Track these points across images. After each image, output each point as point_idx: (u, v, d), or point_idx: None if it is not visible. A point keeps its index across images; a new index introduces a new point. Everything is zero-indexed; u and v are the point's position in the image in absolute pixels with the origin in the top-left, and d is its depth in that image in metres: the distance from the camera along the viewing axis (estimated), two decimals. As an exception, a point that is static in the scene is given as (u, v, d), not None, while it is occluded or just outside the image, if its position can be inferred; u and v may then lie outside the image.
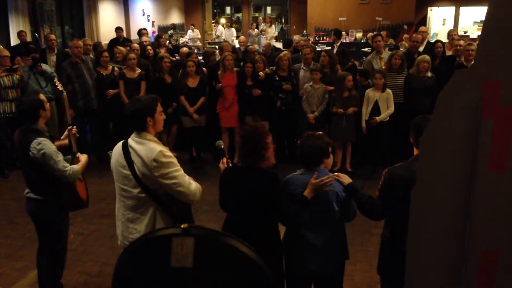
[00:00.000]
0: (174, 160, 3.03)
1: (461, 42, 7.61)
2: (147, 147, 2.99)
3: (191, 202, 3.14)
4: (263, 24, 16.09)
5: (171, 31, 15.87)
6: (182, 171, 3.04)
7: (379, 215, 3.07)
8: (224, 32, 16.34)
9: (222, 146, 3.71)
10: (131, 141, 3.06)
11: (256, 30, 15.31)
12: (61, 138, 4.04)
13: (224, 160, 3.38)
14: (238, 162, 3.23)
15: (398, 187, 2.85)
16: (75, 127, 4.01)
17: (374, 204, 2.99)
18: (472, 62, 6.73)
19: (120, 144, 3.13)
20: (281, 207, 3.10)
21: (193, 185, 3.09)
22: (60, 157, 3.58)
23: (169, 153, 3.03)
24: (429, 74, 6.83)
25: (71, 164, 3.75)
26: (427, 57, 6.92)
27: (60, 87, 4.66)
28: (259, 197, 3.06)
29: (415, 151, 3.01)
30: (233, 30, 16.43)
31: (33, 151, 3.51)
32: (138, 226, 3.09)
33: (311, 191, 3.05)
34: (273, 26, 15.94)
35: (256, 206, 3.08)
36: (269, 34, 15.16)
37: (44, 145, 3.53)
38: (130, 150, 3.02)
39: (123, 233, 3.17)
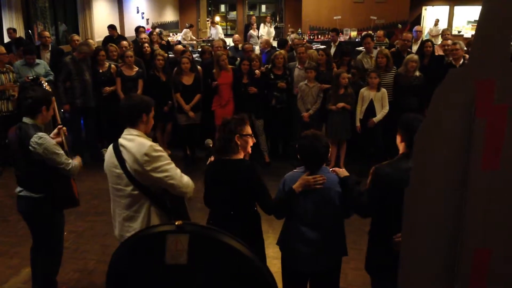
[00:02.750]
0: (165, 154, 3.07)
1: (449, 42, 7.66)
2: (137, 143, 3.02)
3: (184, 194, 3.15)
4: (264, 25, 15.51)
5: (158, 29, 15.79)
6: (173, 164, 3.08)
7: (365, 212, 3.09)
8: (211, 30, 16.12)
9: (211, 145, 3.75)
10: (121, 140, 3.09)
11: (256, 30, 15.03)
12: (51, 136, 4.02)
13: (212, 158, 3.44)
14: (214, 155, 3.34)
15: (384, 184, 2.87)
16: (64, 127, 4.03)
17: (361, 201, 3.01)
18: (461, 61, 6.83)
19: (111, 145, 3.16)
20: (263, 196, 3.19)
21: (185, 178, 3.11)
22: (61, 150, 3.61)
23: (159, 148, 3.06)
24: (417, 73, 6.86)
25: None
26: (415, 56, 6.97)
27: (48, 88, 4.60)
28: (236, 188, 3.16)
29: (401, 149, 3.02)
30: (219, 27, 16.20)
31: (34, 146, 3.50)
32: (134, 224, 3.11)
33: (300, 185, 3.09)
34: (273, 26, 15.59)
35: (234, 197, 3.18)
36: (271, 35, 14.85)
37: (45, 139, 3.53)
38: (121, 148, 3.05)
39: (121, 232, 3.19)
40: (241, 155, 3.24)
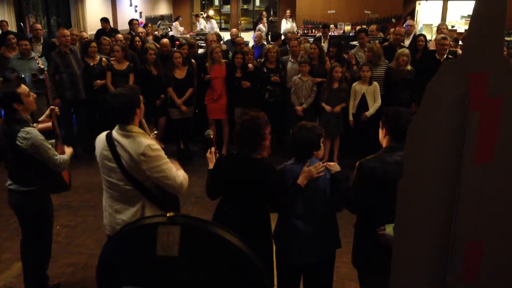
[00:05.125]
0: (162, 153, 3.03)
1: (438, 36, 7.67)
2: (135, 141, 2.97)
3: (178, 193, 3.16)
4: (286, 20, 14.56)
5: (160, 22, 15.68)
6: (170, 164, 3.05)
7: (353, 207, 3.10)
8: (204, 24, 15.61)
9: (211, 136, 3.72)
10: (115, 134, 3.04)
11: (266, 25, 14.30)
12: (41, 119, 3.96)
13: (212, 149, 3.41)
14: (233, 151, 3.27)
15: (370, 179, 2.88)
16: (57, 108, 3.98)
17: (350, 197, 3.02)
18: (445, 56, 6.85)
19: (103, 136, 3.10)
20: (277, 196, 3.14)
21: (180, 177, 3.10)
22: (49, 145, 3.56)
23: (156, 146, 3.02)
24: (408, 67, 6.88)
25: (55, 147, 3.73)
26: (406, 50, 6.99)
27: (41, 65, 4.61)
28: (255, 187, 3.10)
29: (385, 143, 3.03)
30: (213, 22, 15.86)
31: (22, 141, 3.46)
32: (125, 216, 3.10)
33: (304, 178, 3.09)
34: (295, 21, 14.46)
35: (251, 196, 3.13)
36: (294, 30, 13.61)
37: (32, 134, 3.48)
38: (116, 143, 3.01)
39: (111, 223, 3.18)
40: (262, 155, 3.19)
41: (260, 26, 14.02)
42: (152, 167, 2.96)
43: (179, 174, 3.10)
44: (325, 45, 9.20)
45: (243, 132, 3.13)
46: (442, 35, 7.44)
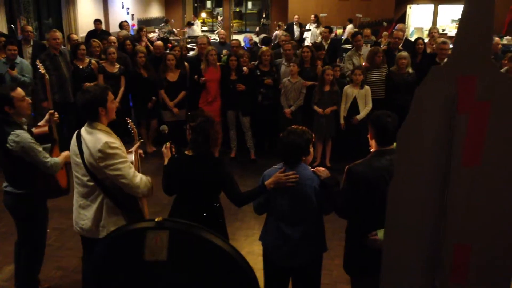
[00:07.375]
0: (120, 152, 3.09)
1: (445, 42, 7.73)
2: (94, 138, 3.06)
3: (137, 194, 3.19)
4: (309, 24, 13.94)
5: (162, 24, 15.63)
6: (127, 163, 3.11)
7: (343, 212, 3.10)
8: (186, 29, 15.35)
9: (167, 131, 3.77)
10: (83, 130, 3.16)
11: (282, 30, 13.86)
12: (40, 123, 3.97)
13: (168, 144, 3.51)
14: (189, 151, 3.30)
15: (359, 183, 2.88)
16: (56, 113, 3.99)
17: (338, 201, 3.02)
18: (445, 60, 6.89)
19: (76, 132, 3.22)
20: (232, 189, 3.23)
21: (138, 178, 3.14)
22: (39, 148, 3.55)
23: (116, 145, 3.08)
24: (409, 70, 6.93)
25: (50, 151, 3.75)
26: (404, 53, 7.02)
27: (42, 70, 4.61)
28: (207, 185, 3.21)
29: (374, 147, 3.03)
30: (195, 28, 15.56)
31: (11, 144, 3.45)
32: (88, 212, 3.20)
33: (272, 182, 3.11)
34: (320, 26, 13.49)
35: (204, 194, 3.24)
36: (317, 36, 12.99)
37: (22, 137, 3.47)
38: (82, 139, 3.12)
39: (76, 219, 3.29)
40: (216, 150, 3.30)
41: (277, 32, 13.73)
42: (108, 164, 3.03)
43: (137, 175, 3.16)
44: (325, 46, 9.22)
45: (198, 134, 3.20)
46: (442, 39, 7.50)
